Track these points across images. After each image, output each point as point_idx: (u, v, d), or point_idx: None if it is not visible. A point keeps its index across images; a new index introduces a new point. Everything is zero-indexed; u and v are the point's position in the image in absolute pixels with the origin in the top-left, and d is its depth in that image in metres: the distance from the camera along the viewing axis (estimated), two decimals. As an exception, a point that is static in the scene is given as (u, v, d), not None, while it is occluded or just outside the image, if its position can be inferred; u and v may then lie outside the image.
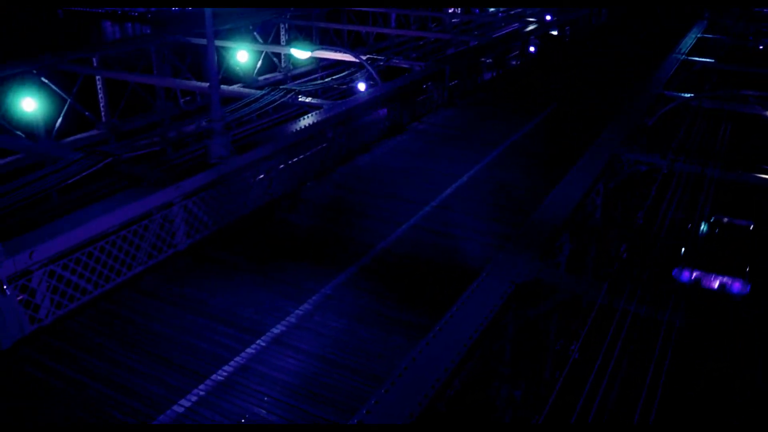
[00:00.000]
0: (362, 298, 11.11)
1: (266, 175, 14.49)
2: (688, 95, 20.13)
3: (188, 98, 25.42)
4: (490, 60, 28.25)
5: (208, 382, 9.11)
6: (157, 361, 9.54)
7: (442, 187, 15.72)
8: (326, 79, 21.89)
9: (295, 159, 15.41)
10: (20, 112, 20.19)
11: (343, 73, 22.11)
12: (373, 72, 20.06)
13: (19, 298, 9.71)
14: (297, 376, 9.23)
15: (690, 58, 26.64)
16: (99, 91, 22.13)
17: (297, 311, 10.73)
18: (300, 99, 18.04)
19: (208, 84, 13.22)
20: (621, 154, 15.30)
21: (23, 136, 20.13)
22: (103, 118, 22.40)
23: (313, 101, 17.82)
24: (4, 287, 8.69)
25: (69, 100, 21.44)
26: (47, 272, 10.13)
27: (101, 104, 22.32)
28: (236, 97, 18.58)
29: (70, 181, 12.46)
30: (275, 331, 10.23)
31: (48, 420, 8.42)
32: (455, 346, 7.65)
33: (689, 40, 29.23)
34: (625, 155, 15.30)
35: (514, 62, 32.02)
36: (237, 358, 9.58)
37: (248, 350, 9.77)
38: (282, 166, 14.98)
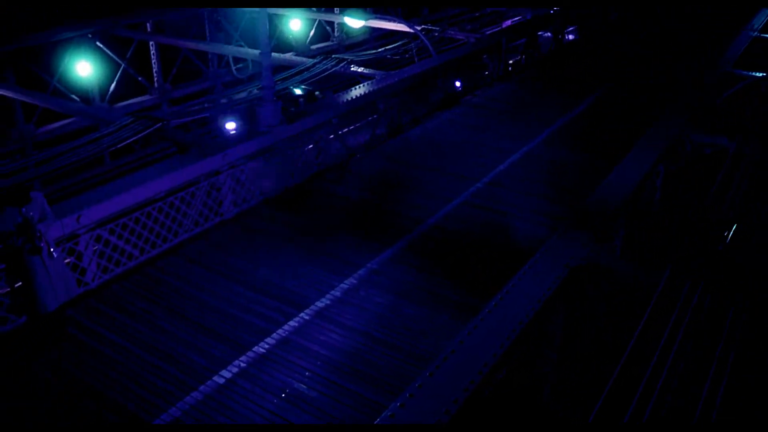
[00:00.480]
0: (409, 274, 10.83)
1: (315, 145, 14.27)
2: (760, 74, 19.04)
3: (240, 65, 25.27)
4: (548, 34, 27.31)
5: (249, 353, 9.00)
6: (199, 330, 9.47)
7: (494, 163, 15.25)
8: (379, 50, 21.44)
9: (345, 129, 15.14)
10: (75, 76, 20.37)
11: (397, 44, 21.62)
12: (427, 43, 19.54)
13: (66, 261, 9.74)
14: (339, 351, 9.04)
15: (763, 35, 25.21)
16: (152, 56, 22.16)
17: (342, 285, 10.52)
18: (352, 68, 17.69)
19: (259, 51, 12.96)
20: (685, 135, 14.54)
21: (78, 99, 20.33)
22: (156, 84, 22.47)
23: (365, 71, 17.44)
24: (51, 250, 8.69)
25: (123, 65, 21.53)
26: (94, 236, 10.13)
27: (154, 69, 22.37)
28: (288, 66, 18.34)
29: (120, 145, 12.44)
30: (319, 304, 10.04)
31: (90, 383, 8.42)
32: (504, 331, 7.30)
33: (762, 17, 27.69)
34: (690, 136, 14.53)
35: (571, 36, 30.91)
36: (279, 331, 9.44)
37: (291, 323, 9.61)
38: (331, 136, 14.72)
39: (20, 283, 9.04)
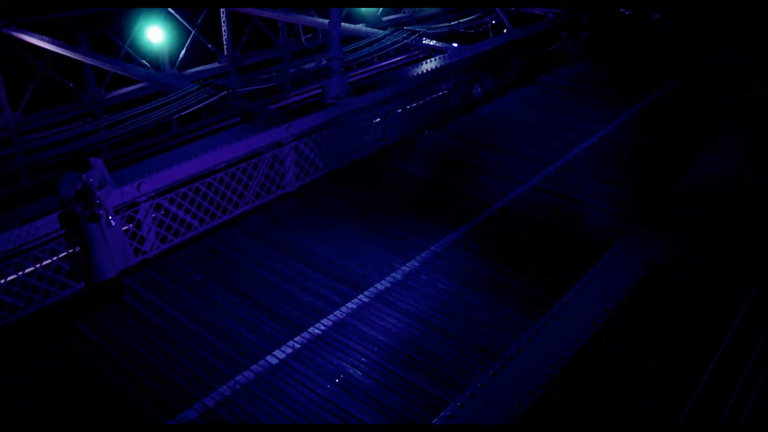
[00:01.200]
0: (473, 260, 10.31)
1: (382, 120, 13.80)
2: None
3: (310, 36, 24.92)
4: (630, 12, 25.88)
5: (305, 334, 8.68)
6: (254, 306, 9.21)
7: (568, 146, 14.49)
8: (452, 23, 20.71)
9: (414, 105, 14.60)
10: (146, 42, 20.40)
11: (471, 17, 20.84)
12: (503, 17, 18.75)
13: (124, 229, 9.61)
14: (397, 338, 8.64)
15: None
16: (222, 23, 21.98)
17: (403, 267, 10.09)
18: (424, 41, 17.07)
19: (329, 21, 12.52)
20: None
21: (148, 65, 20.37)
22: (225, 51, 22.33)
23: (437, 44, 16.80)
24: (110, 218, 8.53)
25: (193, 32, 21.46)
26: (153, 205, 9.97)
27: (224, 37, 22.21)
28: (358, 37, 17.87)
29: (185, 113, 12.27)
30: (378, 287, 9.65)
31: (140, 352, 8.28)
32: (575, 332, 6.74)
33: None
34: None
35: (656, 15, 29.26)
36: (337, 312, 9.10)
37: (348, 305, 9.25)
38: (399, 111, 14.21)
39: (78, 250, 8.95)
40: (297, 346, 8.49)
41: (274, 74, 16.73)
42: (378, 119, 13.68)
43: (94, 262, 8.76)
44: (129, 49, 20.29)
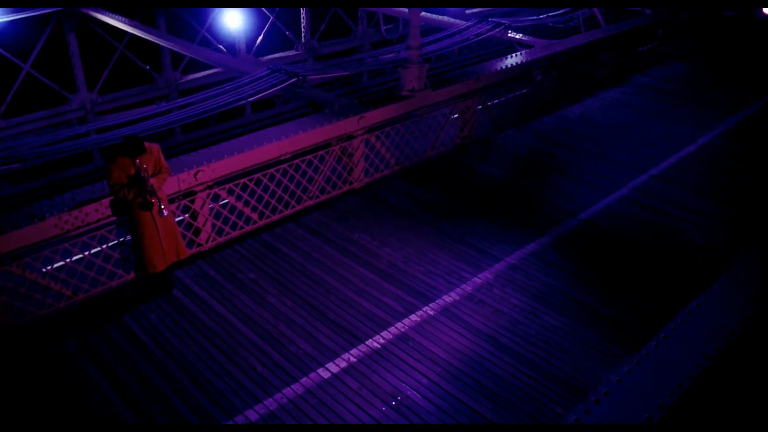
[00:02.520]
0: (552, 275, 9.30)
1: (460, 116, 12.87)
2: None
3: (390, 26, 24.17)
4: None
5: (362, 346, 7.91)
6: (309, 311, 8.50)
7: (663, 154, 13.19)
8: (540, 16, 19.49)
9: (495, 101, 13.59)
10: (223, 26, 20.07)
11: (561, 11, 19.57)
12: (597, 12, 17.45)
13: (179, 219, 9.06)
14: (463, 358, 7.76)
15: None
16: (302, 10, 21.47)
17: (474, 279, 9.18)
18: (509, 35, 16.01)
19: (408, 9, 11.65)
20: None
21: (225, 51, 20.05)
22: (303, 39, 21.83)
23: (523, 38, 15.72)
24: (163, 207, 7.96)
25: (271, 18, 21.02)
26: (211, 195, 9.39)
27: (302, 24, 21.71)
28: (439, 28, 16.96)
29: (251, 99, 11.68)
30: (446, 298, 8.78)
31: (185, 354, 7.69)
32: (674, 376, 5.71)
33: None
34: None
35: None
36: (398, 324, 8.28)
37: (412, 316, 8.42)
38: (479, 107, 13.24)
39: (129, 239, 8.43)
40: (353, 359, 7.72)
41: (352, 64, 16.04)
42: (456, 115, 12.76)
43: (144, 253, 8.22)
44: (206, 33, 20.01)
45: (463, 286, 9.02)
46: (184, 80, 19.31)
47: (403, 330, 8.19)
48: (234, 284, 8.94)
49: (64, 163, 15.53)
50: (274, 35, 21.42)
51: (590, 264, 9.57)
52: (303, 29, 21.89)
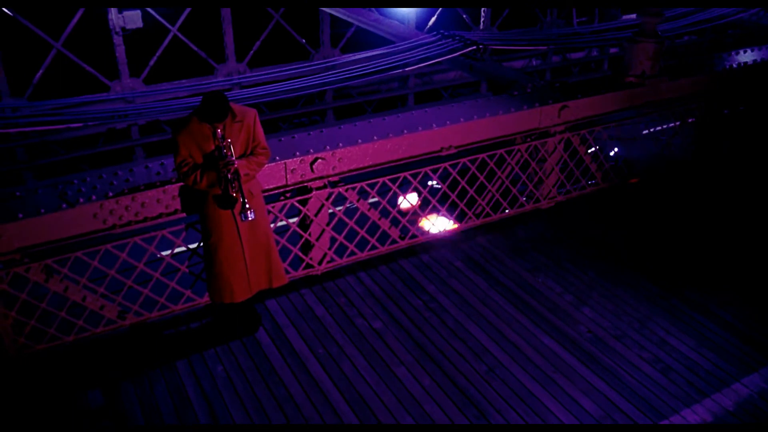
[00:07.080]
0: None
1: (682, 125, 9.04)
2: None
3: (584, 18, 20.45)
4: None
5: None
6: (461, 403, 5.26)
7: None
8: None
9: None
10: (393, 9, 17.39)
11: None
12: None
13: (280, 226, 6.17)
14: None
15: None
16: (484, -5, 18.40)
17: (736, 385, 5.49)
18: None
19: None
20: None
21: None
22: (481, 25, 18.73)
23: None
24: (247, 206, 5.07)
25: (448, -3, 18.08)
26: (333, 196, 6.39)
27: (482, 11, 18.66)
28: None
29: (415, 66, 8.75)
30: (687, 416, 5.20)
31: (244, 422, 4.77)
32: None
33: None
34: None
35: None
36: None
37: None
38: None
39: (201, 246, 5.65)
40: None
41: (553, 35, 12.65)
42: (692, 119, 8.96)
43: (219, 272, 5.39)
44: (377, 12, 17.39)
45: (717, 396, 5.37)
46: (342, 60, 16.80)
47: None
48: (348, 335, 5.88)
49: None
50: (449, 17, 18.47)
51: None
52: (482, 13, 18.77)
